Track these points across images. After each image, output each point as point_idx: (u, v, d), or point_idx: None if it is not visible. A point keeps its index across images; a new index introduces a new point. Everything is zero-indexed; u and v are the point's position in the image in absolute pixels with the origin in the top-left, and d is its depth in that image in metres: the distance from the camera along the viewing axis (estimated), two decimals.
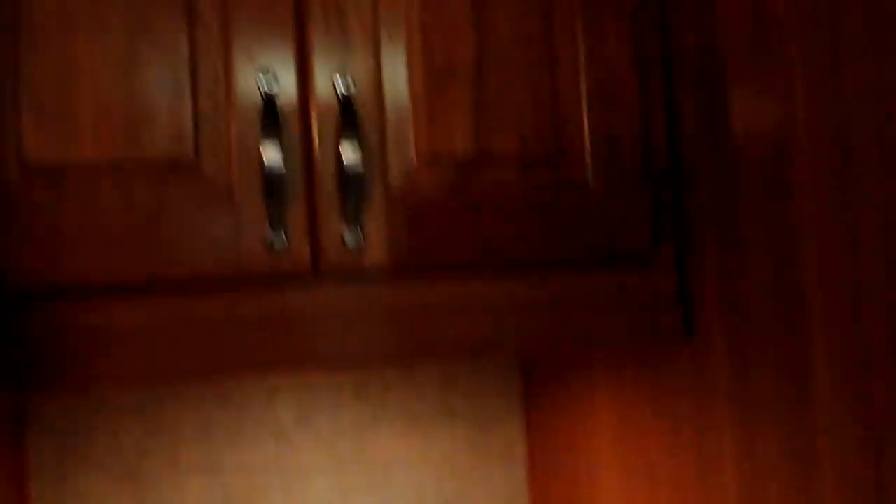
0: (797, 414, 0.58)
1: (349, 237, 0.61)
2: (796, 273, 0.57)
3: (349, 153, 0.60)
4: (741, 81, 0.63)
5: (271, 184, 0.58)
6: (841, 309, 0.53)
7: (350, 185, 0.60)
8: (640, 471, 0.78)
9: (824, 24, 0.54)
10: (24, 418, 0.91)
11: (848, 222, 0.52)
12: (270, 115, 0.59)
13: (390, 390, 1.01)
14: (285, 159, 0.60)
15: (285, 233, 0.60)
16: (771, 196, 0.60)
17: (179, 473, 0.94)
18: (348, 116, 0.61)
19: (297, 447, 0.98)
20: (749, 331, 0.63)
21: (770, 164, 0.60)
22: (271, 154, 0.58)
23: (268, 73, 0.60)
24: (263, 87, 0.60)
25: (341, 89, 0.62)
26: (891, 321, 0.49)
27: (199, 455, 0.95)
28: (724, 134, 0.65)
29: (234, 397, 0.97)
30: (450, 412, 1.02)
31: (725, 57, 0.64)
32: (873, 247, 0.50)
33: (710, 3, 0.66)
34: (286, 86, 0.61)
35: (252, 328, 0.61)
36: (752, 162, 0.62)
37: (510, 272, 0.66)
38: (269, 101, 0.59)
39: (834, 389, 0.54)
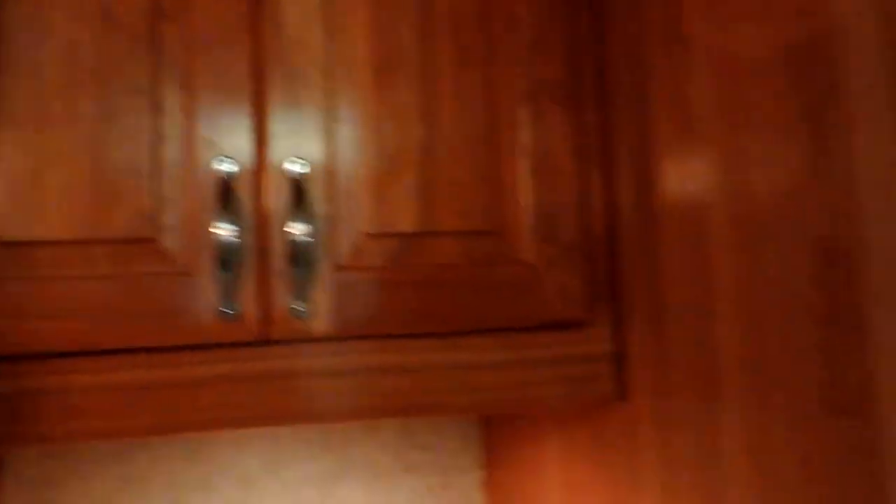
0: (710, 474, 0.62)
1: (298, 308, 0.66)
2: (711, 335, 0.62)
3: (299, 229, 0.65)
4: (669, 159, 0.68)
5: (225, 259, 0.63)
6: (748, 370, 0.58)
7: (299, 259, 0.65)
8: None
9: (734, 118, 0.60)
10: None
11: (756, 297, 0.57)
12: (226, 196, 0.64)
13: (354, 443, 1.04)
14: (239, 236, 0.65)
15: (237, 304, 0.65)
16: (690, 261, 0.64)
17: None
18: (299, 195, 0.66)
19: (263, 496, 1.01)
20: (671, 392, 0.67)
21: (690, 230, 0.65)
22: (225, 231, 0.63)
23: (225, 156, 0.66)
24: (220, 170, 0.65)
25: (294, 171, 0.67)
26: (791, 389, 0.54)
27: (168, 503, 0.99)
28: (652, 204, 0.70)
29: (202, 448, 1.01)
30: (410, 464, 1.05)
31: (657, 138, 0.70)
32: (777, 324, 0.55)
33: (643, 96, 0.71)
34: (242, 167, 0.67)
35: (206, 390, 0.65)
36: (675, 228, 0.67)
37: (452, 339, 0.70)
38: (225, 183, 0.65)
39: (741, 446, 0.58)
